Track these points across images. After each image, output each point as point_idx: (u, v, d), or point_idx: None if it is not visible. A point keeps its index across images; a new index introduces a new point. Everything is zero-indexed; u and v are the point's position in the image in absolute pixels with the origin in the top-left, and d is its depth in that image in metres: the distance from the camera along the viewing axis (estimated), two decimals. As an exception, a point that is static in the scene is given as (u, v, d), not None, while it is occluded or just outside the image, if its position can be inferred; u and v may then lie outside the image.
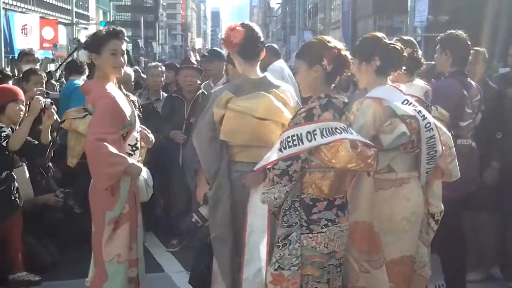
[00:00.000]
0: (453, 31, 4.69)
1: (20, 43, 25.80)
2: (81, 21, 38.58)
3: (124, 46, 3.85)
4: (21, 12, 31.26)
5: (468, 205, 4.80)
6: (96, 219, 3.75)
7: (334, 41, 3.33)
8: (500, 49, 11.40)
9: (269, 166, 3.21)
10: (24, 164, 5.00)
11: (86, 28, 39.13)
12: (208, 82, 6.64)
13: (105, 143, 3.55)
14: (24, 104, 4.74)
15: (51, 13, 38.03)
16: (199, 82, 6.25)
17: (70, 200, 5.36)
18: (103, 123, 3.62)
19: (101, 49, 3.76)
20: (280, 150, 3.14)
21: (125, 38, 3.87)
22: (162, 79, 7.01)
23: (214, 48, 8.23)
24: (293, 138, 3.12)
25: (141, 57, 48.04)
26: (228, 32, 3.82)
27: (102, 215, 3.68)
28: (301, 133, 3.11)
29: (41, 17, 32.96)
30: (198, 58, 7.95)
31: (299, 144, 3.10)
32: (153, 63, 7.82)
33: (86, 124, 3.68)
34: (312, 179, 3.22)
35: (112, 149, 3.56)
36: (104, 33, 3.82)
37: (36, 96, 4.68)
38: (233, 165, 3.77)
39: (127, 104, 3.85)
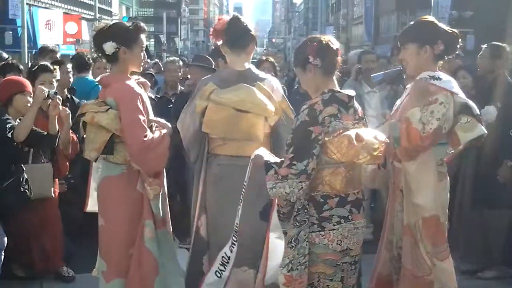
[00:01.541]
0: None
1: (44, 39, 26.02)
2: (104, 16, 38.70)
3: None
4: (44, 7, 31.50)
5: (482, 202, 4.78)
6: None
7: (321, 36, 3.36)
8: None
9: (277, 161, 3.18)
10: (47, 161, 4.93)
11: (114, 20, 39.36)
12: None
13: (150, 139, 3.66)
14: (31, 96, 4.70)
15: (75, 8, 38.29)
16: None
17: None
18: (140, 121, 3.67)
19: (132, 44, 3.77)
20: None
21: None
22: (180, 74, 7.08)
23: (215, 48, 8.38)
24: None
25: (163, 53, 48.22)
26: (216, 23, 3.90)
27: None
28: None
29: (64, 13, 33.21)
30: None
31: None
32: (170, 58, 7.89)
33: (110, 118, 3.65)
34: (322, 176, 3.19)
35: (154, 137, 3.70)
36: (132, 28, 3.82)
37: (40, 86, 4.68)
38: (215, 158, 3.80)
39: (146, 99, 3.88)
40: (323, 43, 3.27)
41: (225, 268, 3.43)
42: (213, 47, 4.96)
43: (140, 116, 3.68)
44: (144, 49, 3.89)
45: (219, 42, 3.91)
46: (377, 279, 3.71)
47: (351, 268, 3.28)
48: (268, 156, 3.28)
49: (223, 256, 3.44)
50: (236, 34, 3.82)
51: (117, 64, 3.82)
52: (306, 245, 3.17)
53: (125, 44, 3.76)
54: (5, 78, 5.07)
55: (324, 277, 3.22)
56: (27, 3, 23.85)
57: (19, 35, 21.97)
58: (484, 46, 5.51)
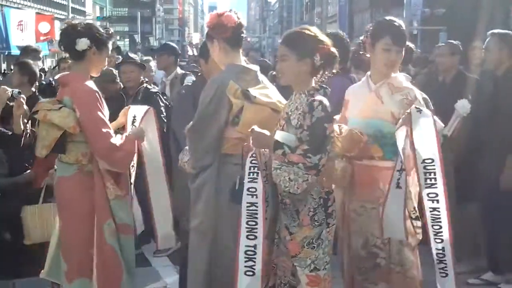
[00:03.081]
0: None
1: (16, 39, 25.71)
2: (77, 16, 38.37)
3: None
4: (17, 8, 31.17)
5: (461, 197, 4.83)
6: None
7: (323, 35, 3.34)
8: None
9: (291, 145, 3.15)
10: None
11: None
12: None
13: (115, 137, 3.71)
14: None
15: (47, 8, 37.95)
16: (142, 77, 6.16)
17: None
18: (103, 120, 3.70)
19: (103, 47, 3.81)
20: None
21: None
22: (153, 73, 7.18)
23: (167, 43, 8.49)
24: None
25: (138, 52, 47.91)
26: (217, 17, 3.72)
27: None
28: None
29: (37, 13, 32.84)
30: (196, 53, 8.08)
31: None
32: (144, 58, 7.90)
33: (63, 116, 3.64)
34: (325, 172, 3.21)
35: (118, 141, 3.74)
36: (105, 33, 3.86)
37: (2, 87, 4.62)
38: (231, 157, 3.61)
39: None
40: (332, 51, 3.31)
41: (254, 262, 3.20)
42: (200, 46, 4.87)
43: (102, 115, 3.70)
44: (108, 56, 3.94)
45: (216, 37, 3.74)
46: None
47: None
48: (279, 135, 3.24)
49: (246, 251, 3.22)
50: (240, 32, 3.75)
51: (82, 63, 3.81)
52: (328, 243, 3.22)
53: (97, 46, 3.78)
54: None
55: None
56: (-1, 3, 23.58)
57: (-9, 36, 21.71)
58: (441, 44, 5.67)
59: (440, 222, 3.25)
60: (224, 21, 3.69)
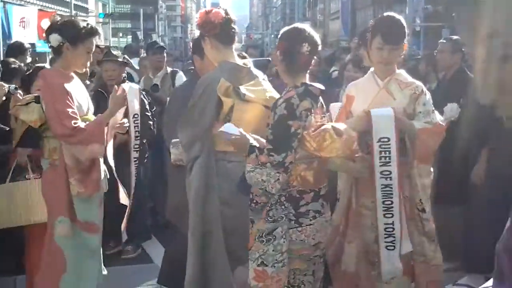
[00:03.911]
0: None
1: (18, 36, 25.64)
2: (80, 13, 38.38)
3: None
4: (19, 5, 31.12)
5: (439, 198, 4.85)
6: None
7: (308, 28, 3.31)
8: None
9: (261, 148, 3.14)
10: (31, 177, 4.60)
11: (85, 21, 38.99)
12: (147, 75, 6.94)
13: (78, 128, 3.73)
14: None
15: (50, 5, 37.87)
16: (124, 75, 6.16)
17: None
18: (66, 112, 3.72)
19: (78, 43, 3.81)
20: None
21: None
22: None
23: (156, 41, 8.60)
24: None
25: (141, 49, 47.86)
26: (205, 15, 3.73)
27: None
28: None
29: (39, 10, 32.81)
30: None
31: None
32: (145, 55, 7.93)
33: (28, 112, 3.77)
34: (298, 171, 3.19)
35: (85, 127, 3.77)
36: (83, 28, 3.84)
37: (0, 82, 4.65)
38: (223, 154, 3.64)
39: (83, 95, 3.94)
40: (315, 41, 3.28)
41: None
42: (193, 43, 4.88)
43: (66, 108, 3.71)
44: (90, 51, 3.90)
45: (207, 35, 3.76)
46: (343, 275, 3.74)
47: (320, 261, 3.33)
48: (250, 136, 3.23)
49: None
50: (229, 27, 3.75)
51: (60, 59, 3.88)
52: (284, 242, 3.13)
53: (70, 41, 3.79)
54: None
55: (299, 273, 3.24)
56: (1, 0, 23.55)
57: (-7, 32, 21.70)
58: (443, 40, 5.64)
59: (392, 198, 3.42)
60: (212, 18, 3.70)
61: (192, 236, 3.67)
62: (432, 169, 3.78)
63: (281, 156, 3.08)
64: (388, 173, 3.41)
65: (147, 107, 5.64)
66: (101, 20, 43.37)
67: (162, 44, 7.84)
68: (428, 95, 3.75)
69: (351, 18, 40.87)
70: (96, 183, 3.89)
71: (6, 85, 4.54)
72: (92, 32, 3.90)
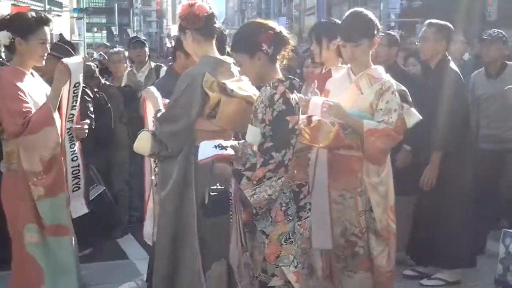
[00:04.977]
0: None
1: (-9, 31, 25.38)
2: (54, 8, 37.93)
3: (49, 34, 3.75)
4: (-8, -1, 30.70)
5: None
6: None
7: (268, 22, 3.27)
8: (473, 33, 11.47)
9: (247, 166, 3.07)
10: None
11: (59, 15, 38.59)
12: (132, 69, 6.93)
13: (27, 120, 3.57)
14: None
15: (23, 0, 37.42)
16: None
17: None
18: (14, 111, 3.61)
19: (29, 35, 3.65)
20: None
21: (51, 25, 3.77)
22: (125, 65, 7.18)
23: (137, 36, 8.62)
24: None
25: (116, 45, 47.54)
26: (188, 8, 3.67)
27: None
28: None
29: (12, 4, 32.40)
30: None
31: None
32: (115, 49, 7.88)
33: None
34: (295, 164, 3.19)
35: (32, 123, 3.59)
36: (33, 19, 3.67)
37: None
38: None
39: (38, 94, 3.75)
40: (278, 33, 3.23)
41: None
42: (176, 39, 4.84)
43: (18, 106, 3.60)
44: (45, 42, 3.74)
45: (189, 28, 3.71)
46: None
47: (310, 253, 3.37)
48: (220, 152, 3.16)
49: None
50: (212, 21, 3.72)
51: (16, 56, 3.74)
52: (301, 236, 3.19)
53: (21, 35, 3.64)
54: None
55: None
56: (-27, -5, 23.22)
57: (-34, 27, 21.37)
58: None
59: None
60: (196, 11, 3.65)
61: (164, 233, 3.65)
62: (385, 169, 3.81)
63: (281, 154, 3.04)
64: None
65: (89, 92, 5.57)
66: (75, 15, 42.96)
67: (143, 39, 7.83)
68: (396, 94, 3.75)
69: (327, 14, 40.90)
70: (59, 183, 3.77)
71: None
72: (42, 21, 3.74)
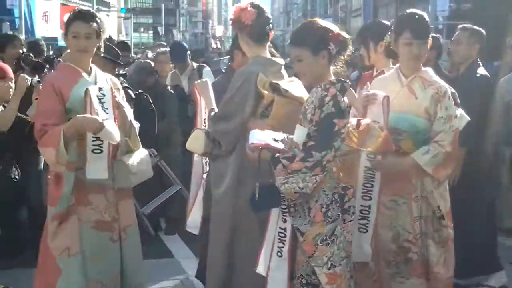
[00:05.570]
0: None
1: (41, 30, 25.90)
2: (102, 8, 38.52)
3: (91, 29, 3.71)
4: (42, -1, 31.30)
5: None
6: None
7: (327, 23, 3.29)
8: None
9: (287, 155, 3.09)
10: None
11: (107, 15, 39.16)
12: (175, 71, 6.99)
13: (45, 128, 3.56)
14: (13, 81, 4.63)
15: (72, 0, 38.09)
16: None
17: None
18: (40, 110, 3.70)
19: (67, 30, 3.74)
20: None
21: (97, 20, 3.73)
22: (170, 65, 7.28)
23: (178, 41, 8.75)
24: None
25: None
26: (238, 12, 3.70)
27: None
28: None
29: (61, 4, 33.01)
30: (219, 46, 8.24)
31: None
32: (162, 49, 7.92)
33: (33, 107, 3.99)
34: (342, 167, 3.18)
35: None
36: (71, 13, 3.75)
37: (22, 75, 4.67)
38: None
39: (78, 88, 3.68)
40: (343, 36, 3.25)
41: (283, 244, 3.24)
42: (219, 39, 4.94)
43: (44, 107, 3.69)
44: (79, 36, 3.71)
45: (241, 33, 3.78)
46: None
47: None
48: (273, 143, 3.16)
49: (279, 232, 3.23)
50: (263, 27, 3.73)
51: None
52: (344, 239, 3.15)
53: (65, 31, 3.81)
54: None
55: None
56: (24, -6, 23.68)
57: (17, 26, 21.81)
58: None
59: (373, 181, 3.45)
60: (242, 18, 3.69)
61: (218, 230, 3.65)
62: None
63: (321, 154, 3.05)
64: (373, 156, 3.43)
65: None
66: (123, 15, 43.52)
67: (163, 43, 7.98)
68: (451, 99, 3.69)
69: (373, 15, 40.60)
70: (56, 198, 3.64)
71: (29, 78, 4.59)
72: (76, 15, 3.76)
